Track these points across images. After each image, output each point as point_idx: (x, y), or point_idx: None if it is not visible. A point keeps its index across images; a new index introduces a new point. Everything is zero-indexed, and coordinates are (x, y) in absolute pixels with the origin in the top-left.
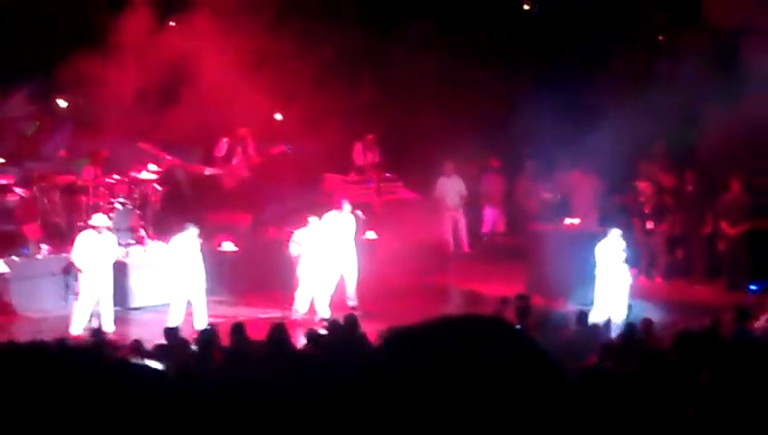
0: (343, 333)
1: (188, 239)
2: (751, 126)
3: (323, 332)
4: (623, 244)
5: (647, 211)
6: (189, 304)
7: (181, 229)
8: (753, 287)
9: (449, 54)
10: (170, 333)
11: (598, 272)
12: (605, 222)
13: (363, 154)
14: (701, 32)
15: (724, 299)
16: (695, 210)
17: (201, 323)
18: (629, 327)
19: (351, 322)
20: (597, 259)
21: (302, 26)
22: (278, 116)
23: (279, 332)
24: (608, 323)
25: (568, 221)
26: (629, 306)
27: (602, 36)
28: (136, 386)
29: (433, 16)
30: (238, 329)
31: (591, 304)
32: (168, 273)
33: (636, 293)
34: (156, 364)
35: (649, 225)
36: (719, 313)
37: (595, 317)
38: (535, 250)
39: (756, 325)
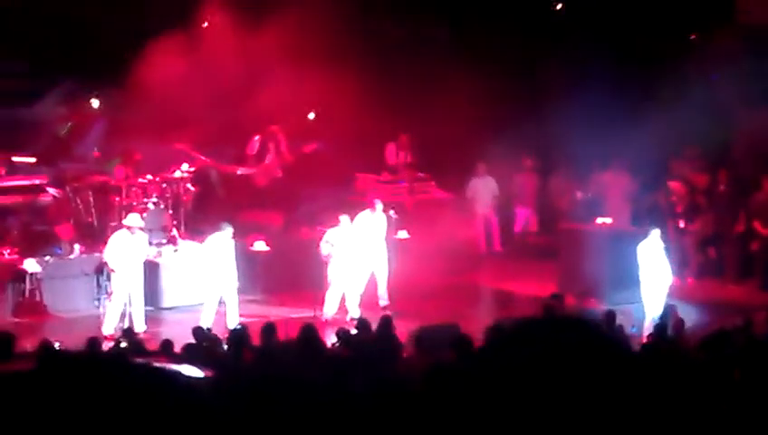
0: (377, 332)
1: (223, 239)
2: None
3: (354, 331)
4: (663, 244)
5: (679, 211)
6: (222, 303)
7: (215, 229)
8: None
9: (482, 55)
10: (199, 332)
11: (641, 273)
12: (637, 221)
13: (396, 154)
14: (734, 30)
15: (758, 299)
16: (728, 210)
17: (233, 322)
18: (660, 327)
19: (386, 322)
20: (639, 259)
21: (336, 24)
22: (311, 115)
23: (309, 331)
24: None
25: (600, 220)
26: (669, 306)
27: (634, 36)
28: (168, 395)
29: (465, 17)
30: (269, 329)
31: (624, 303)
32: (202, 273)
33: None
34: (190, 369)
35: (681, 224)
36: (752, 312)
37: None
38: (567, 250)
39: None
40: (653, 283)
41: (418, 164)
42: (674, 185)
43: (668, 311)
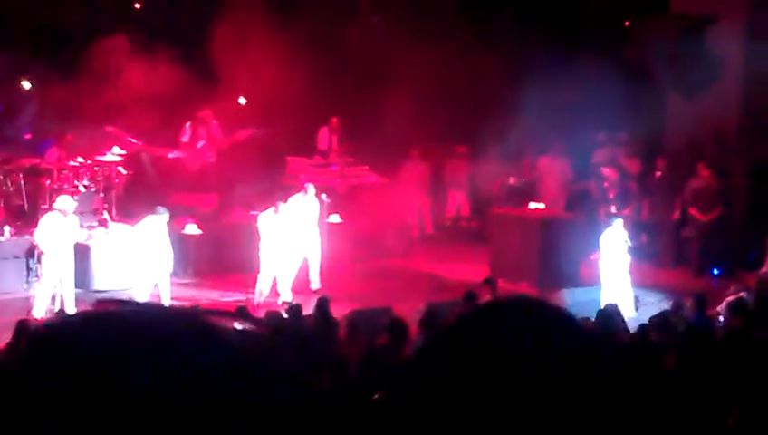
0: (314, 314)
1: (156, 222)
2: (716, 114)
3: (285, 315)
4: (626, 233)
5: (610, 197)
6: (154, 286)
7: (147, 212)
8: (716, 272)
9: (417, 39)
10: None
11: (602, 261)
12: (570, 207)
13: (328, 138)
14: (668, 18)
15: (692, 284)
16: (664, 196)
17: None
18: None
19: (323, 303)
20: (601, 248)
21: (265, 11)
22: (242, 100)
23: (241, 315)
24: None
25: (533, 206)
26: (636, 297)
27: (569, 22)
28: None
29: (400, 3)
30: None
31: (554, 288)
32: (133, 256)
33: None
34: None
35: (613, 210)
36: (683, 298)
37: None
38: (499, 235)
39: (716, 311)
40: (614, 271)
41: (351, 148)
42: (606, 171)
43: (638, 301)
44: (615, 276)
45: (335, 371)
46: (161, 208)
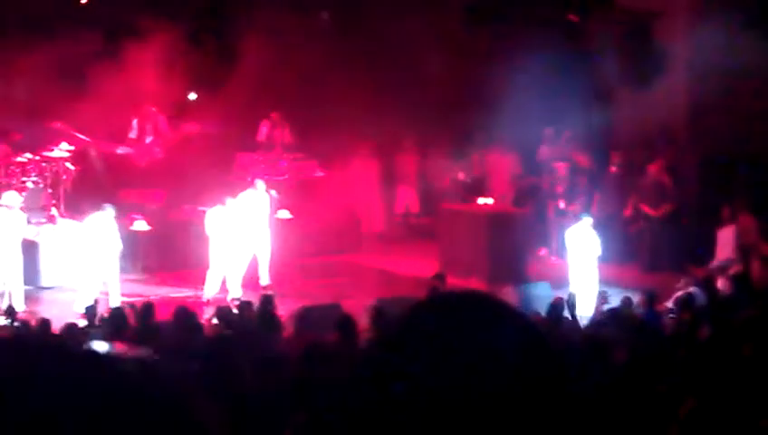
0: (258, 311)
1: (103, 219)
2: (664, 109)
3: (235, 311)
4: (593, 231)
5: (559, 191)
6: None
7: (95, 208)
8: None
9: (365, 38)
10: (90, 311)
11: (569, 258)
12: (519, 202)
13: (270, 132)
14: (613, 13)
15: (641, 280)
16: (616, 192)
17: (114, 302)
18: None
19: (266, 300)
20: (567, 245)
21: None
22: (192, 96)
23: (184, 312)
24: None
25: (481, 201)
26: (603, 293)
27: (517, 15)
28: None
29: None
30: (147, 309)
31: (504, 283)
32: (82, 252)
33: (550, 272)
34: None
35: (562, 205)
36: (633, 294)
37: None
38: (448, 230)
39: (664, 307)
40: (581, 267)
41: (298, 143)
42: (556, 165)
43: (605, 297)
44: (581, 274)
45: (275, 368)
46: (106, 205)
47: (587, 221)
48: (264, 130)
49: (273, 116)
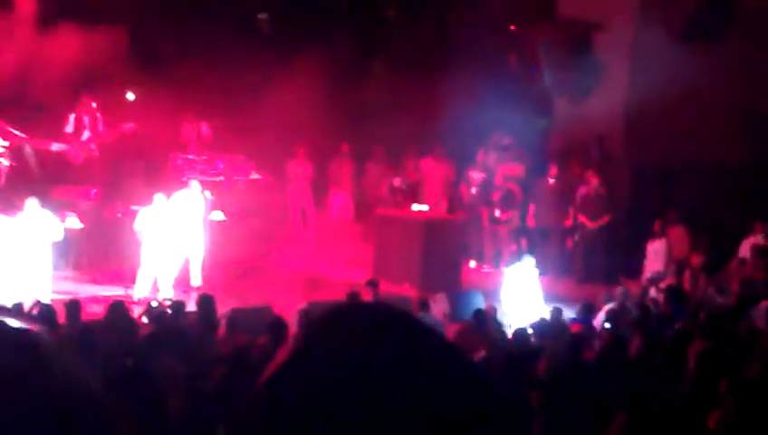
0: (197, 311)
1: (35, 215)
2: (600, 121)
3: (166, 311)
4: (536, 271)
5: (495, 200)
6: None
7: (28, 205)
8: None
9: (303, 40)
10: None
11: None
12: (454, 210)
13: (195, 133)
14: (553, 23)
15: (576, 292)
16: (554, 203)
17: (45, 298)
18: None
19: (205, 300)
20: (505, 283)
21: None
22: (130, 95)
23: (117, 310)
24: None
25: (416, 207)
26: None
27: (457, 22)
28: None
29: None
30: (74, 306)
31: (437, 290)
32: (13, 248)
33: (484, 283)
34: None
35: (497, 214)
36: (566, 306)
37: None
38: (382, 236)
39: (597, 320)
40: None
41: (236, 146)
42: (473, 174)
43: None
44: (520, 313)
45: (213, 369)
46: (36, 200)
47: (529, 262)
48: (187, 130)
49: (188, 116)
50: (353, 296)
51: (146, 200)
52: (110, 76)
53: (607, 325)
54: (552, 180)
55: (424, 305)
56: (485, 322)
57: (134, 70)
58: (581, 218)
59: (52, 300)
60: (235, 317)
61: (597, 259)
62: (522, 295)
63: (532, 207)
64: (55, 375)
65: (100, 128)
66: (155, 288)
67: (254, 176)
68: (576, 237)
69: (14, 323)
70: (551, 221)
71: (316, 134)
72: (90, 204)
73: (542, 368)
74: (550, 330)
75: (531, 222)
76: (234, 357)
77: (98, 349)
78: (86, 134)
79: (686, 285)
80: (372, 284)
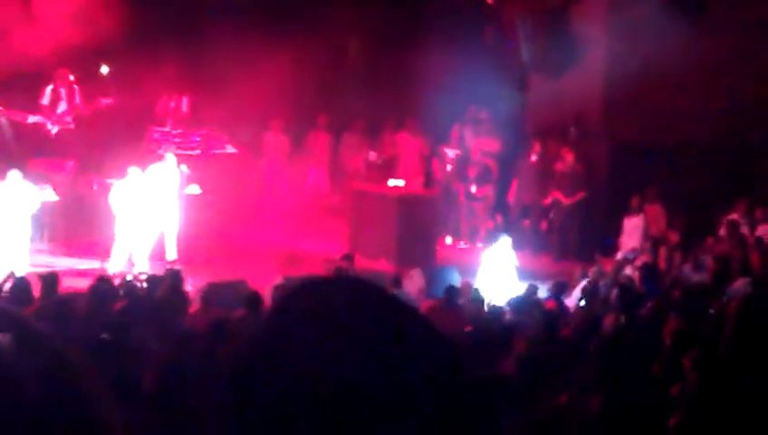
0: (166, 286)
1: (16, 186)
2: (579, 96)
3: (141, 285)
4: (513, 253)
5: (471, 176)
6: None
7: (10, 176)
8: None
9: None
10: None
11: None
12: (429, 185)
13: (171, 106)
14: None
15: (552, 269)
16: (536, 181)
17: (21, 271)
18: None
19: (174, 275)
20: (483, 264)
21: None
22: (105, 69)
23: (101, 284)
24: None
25: (392, 183)
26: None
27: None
28: None
29: None
30: (51, 279)
31: (412, 265)
32: None
33: (459, 259)
34: None
35: (473, 189)
36: (542, 283)
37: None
38: (358, 211)
39: (570, 298)
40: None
41: (210, 119)
42: (447, 150)
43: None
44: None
45: (182, 344)
46: (13, 172)
47: (506, 242)
48: (163, 104)
49: (168, 90)
50: (338, 272)
51: (121, 173)
52: (88, 48)
53: (582, 303)
54: (534, 157)
55: (396, 282)
56: (456, 299)
57: (113, 43)
58: (557, 194)
59: (28, 273)
60: (210, 292)
61: (573, 236)
62: (498, 274)
63: (514, 184)
64: (19, 382)
65: (77, 100)
66: (130, 262)
67: (231, 150)
68: (552, 214)
69: None
70: (531, 200)
71: (293, 108)
72: (65, 176)
73: (520, 347)
74: (525, 307)
75: (510, 198)
76: (211, 332)
77: (74, 322)
78: (62, 106)
79: (662, 263)
80: (348, 258)
